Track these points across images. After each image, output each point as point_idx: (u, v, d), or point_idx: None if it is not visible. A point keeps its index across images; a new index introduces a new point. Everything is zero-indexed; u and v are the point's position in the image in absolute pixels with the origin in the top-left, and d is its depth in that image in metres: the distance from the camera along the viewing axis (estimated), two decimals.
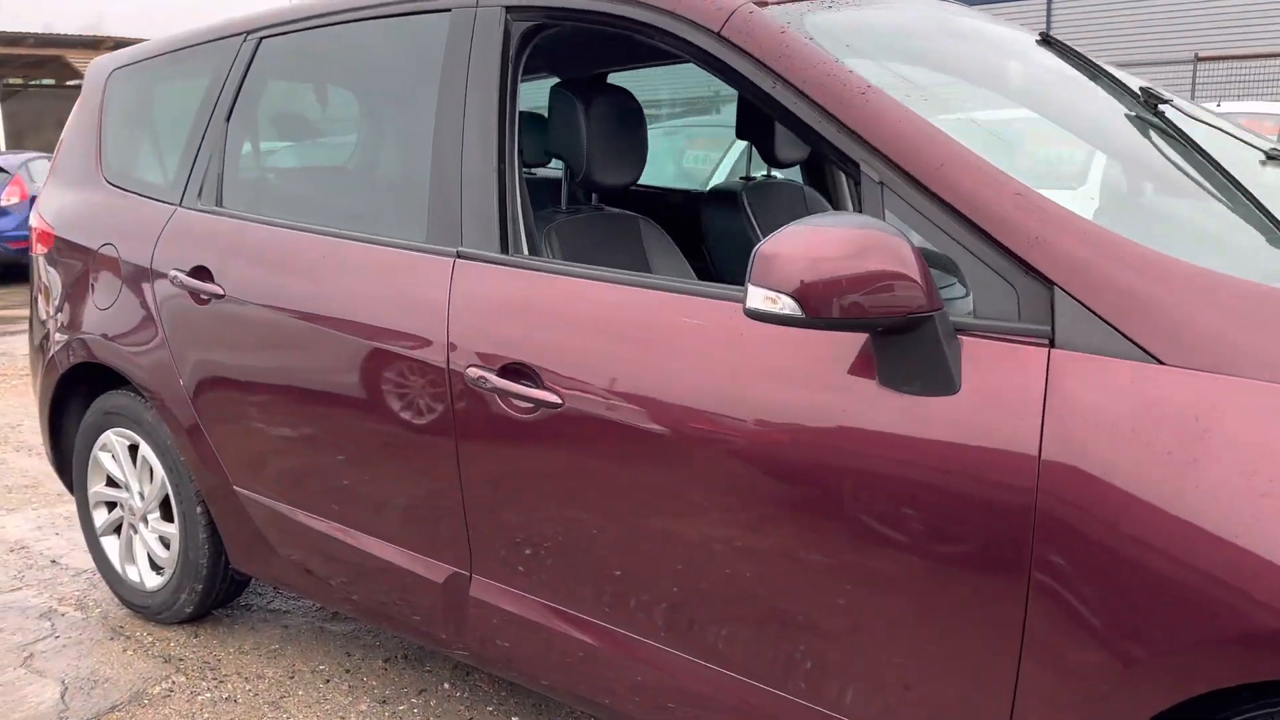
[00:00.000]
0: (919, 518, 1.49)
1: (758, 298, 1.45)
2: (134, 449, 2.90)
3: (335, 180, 2.52)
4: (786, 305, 1.43)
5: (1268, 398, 1.28)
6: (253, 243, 2.44)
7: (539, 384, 1.88)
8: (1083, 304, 1.41)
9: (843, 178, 3.26)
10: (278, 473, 2.42)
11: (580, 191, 2.64)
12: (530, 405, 1.89)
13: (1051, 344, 1.42)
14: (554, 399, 1.85)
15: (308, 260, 2.30)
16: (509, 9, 2.09)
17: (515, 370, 1.91)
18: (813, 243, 1.42)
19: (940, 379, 1.47)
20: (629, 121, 2.33)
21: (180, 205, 2.67)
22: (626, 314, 1.81)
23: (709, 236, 2.98)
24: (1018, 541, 1.41)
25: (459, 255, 2.06)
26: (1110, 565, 1.33)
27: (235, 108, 2.62)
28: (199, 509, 2.72)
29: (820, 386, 1.57)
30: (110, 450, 2.92)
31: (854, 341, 1.56)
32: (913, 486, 1.48)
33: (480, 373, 1.95)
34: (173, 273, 2.56)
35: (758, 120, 2.84)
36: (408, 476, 2.13)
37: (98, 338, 2.77)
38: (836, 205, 3.20)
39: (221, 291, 2.44)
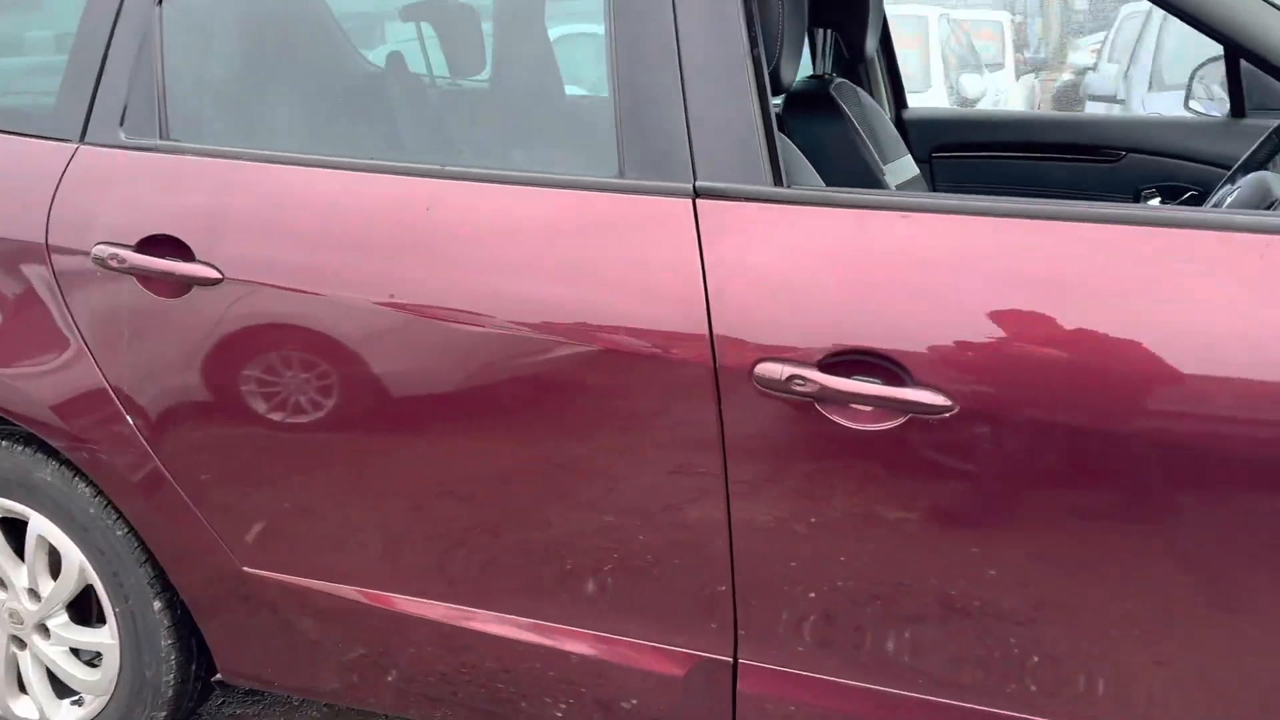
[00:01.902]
0: None
1: None
2: (4, 526, 1.89)
3: (399, 93, 1.66)
4: None
5: None
6: (269, 193, 1.55)
7: (906, 380, 1.24)
8: None
9: (880, 75, 2.75)
10: (341, 542, 1.59)
11: None
12: (889, 410, 1.25)
13: None
14: (944, 401, 1.23)
15: (399, 215, 1.47)
16: None
17: (843, 363, 1.26)
18: None
19: None
20: None
21: (83, 141, 1.68)
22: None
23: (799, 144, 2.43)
24: None
25: (698, 194, 1.35)
26: None
27: None
28: (157, 604, 1.79)
29: None
30: None
31: None
32: None
33: (791, 370, 1.27)
34: (107, 250, 1.60)
35: (839, 4, 2.27)
36: (629, 526, 1.41)
37: None
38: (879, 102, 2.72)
39: (216, 274, 1.53)
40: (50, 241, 1.64)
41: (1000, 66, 10.02)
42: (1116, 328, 1.18)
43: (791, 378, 1.26)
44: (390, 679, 1.66)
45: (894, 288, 1.25)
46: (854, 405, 1.26)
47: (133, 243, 1.58)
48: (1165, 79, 5.70)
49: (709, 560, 1.38)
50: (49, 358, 1.67)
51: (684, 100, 1.35)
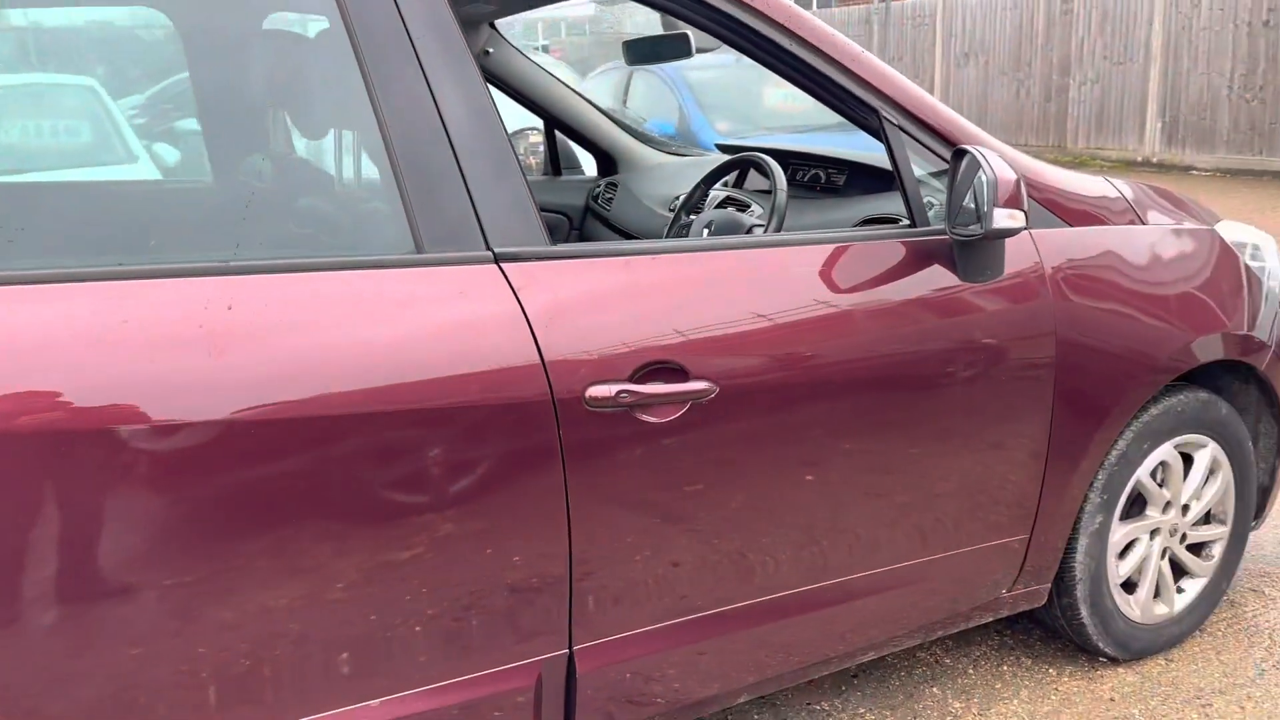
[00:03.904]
0: None
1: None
2: None
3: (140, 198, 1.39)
4: None
5: None
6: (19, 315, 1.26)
7: (689, 377, 1.64)
8: None
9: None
10: None
11: None
12: (679, 402, 1.64)
13: None
14: (710, 386, 1.66)
15: (194, 323, 1.34)
16: None
17: (652, 372, 1.62)
18: None
19: None
20: None
21: None
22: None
23: None
24: None
25: (499, 259, 1.55)
26: None
27: None
28: None
29: None
30: None
31: None
32: None
33: (618, 387, 1.57)
34: None
35: None
36: (474, 579, 1.54)
37: None
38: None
39: None
40: None
41: None
42: None
43: (620, 393, 1.59)
44: None
45: (671, 309, 1.66)
46: (658, 405, 1.63)
47: None
48: None
49: (552, 568, 1.61)
50: None
51: (464, 181, 1.55)
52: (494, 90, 3.08)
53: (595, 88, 9.06)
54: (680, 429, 1.66)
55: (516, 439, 1.54)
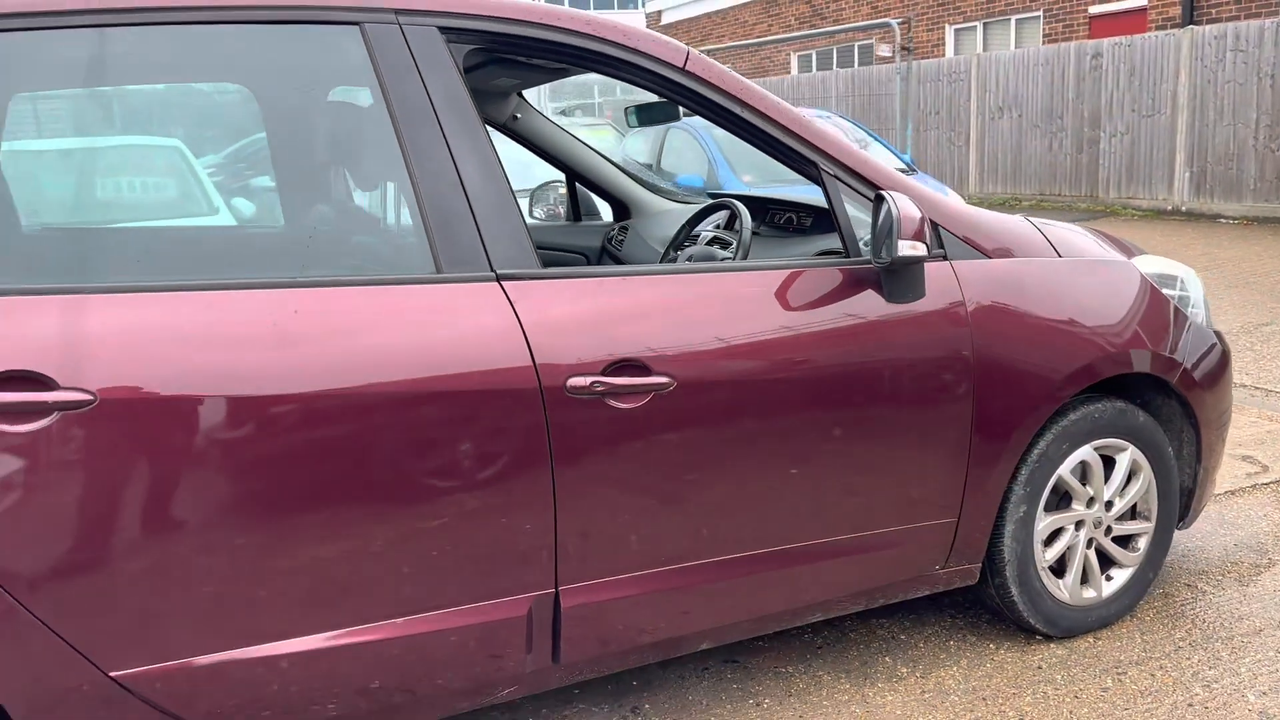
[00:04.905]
0: None
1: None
2: None
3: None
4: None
5: None
6: (141, 318, 1.75)
7: (642, 371, 2.08)
8: None
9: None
10: None
11: None
12: (641, 392, 2.07)
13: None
14: (660, 380, 2.09)
15: (269, 324, 1.82)
16: (446, 30, 2.07)
17: (621, 367, 2.06)
18: None
19: None
20: None
21: None
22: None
23: None
24: None
25: (500, 278, 2.02)
26: None
27: None
28: None
29: None
30: None
31: None
32: None
33: (592, 379, 2.02)
34: None
35: None
36: (482, 523, 1.98)
37: None
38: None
39: (87, 397, 1.69)
40: None
41: None
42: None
43: (593, 383, 2.03)
44: None
45: (637, 319, 2.10)
46: (625, 394, 2.07)
47: None
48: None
49: (541, 519, 2.05)
50: None
51: (474, 218, 2.02)
52: (521, 148, 3.58)
53: (634, 144, 9.64)
54: (644, 414, 2.10)
55: (512, 418, 1.99)
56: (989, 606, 2.85)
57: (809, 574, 2.39)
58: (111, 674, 1.79)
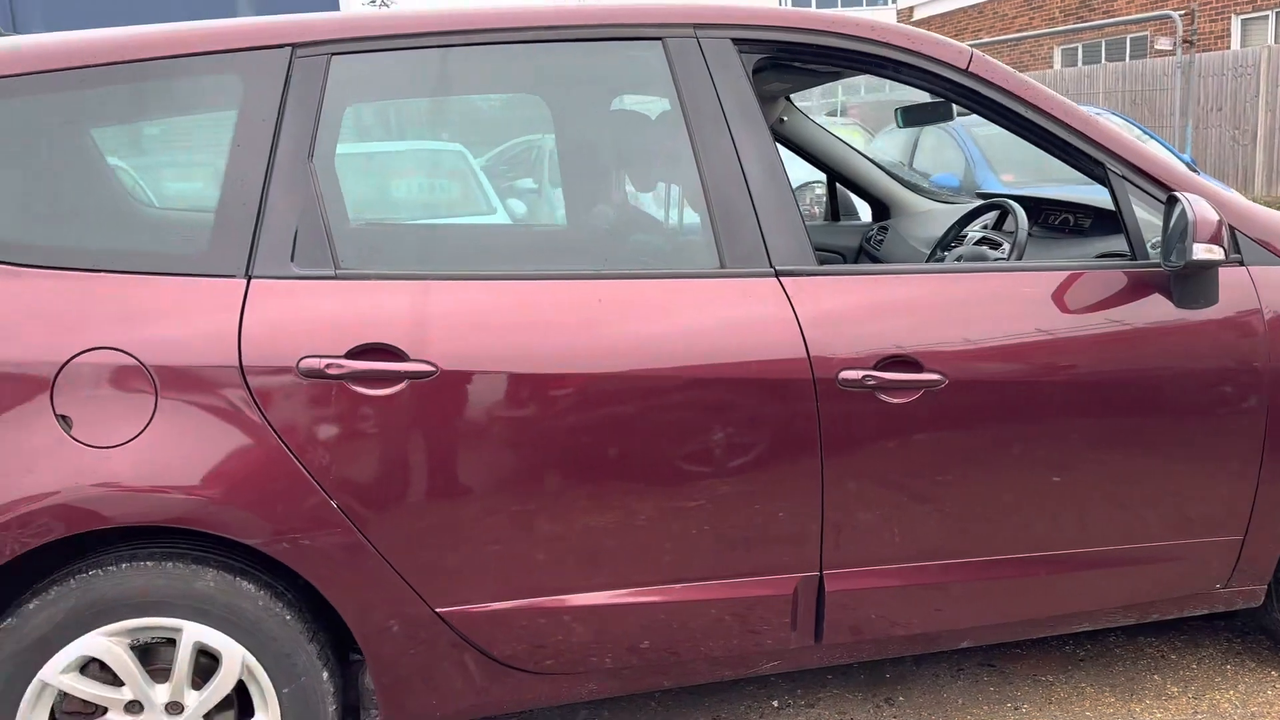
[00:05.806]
0: None
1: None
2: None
3: (530, 224, 2.14)
4: None
5: None
6: (469, 302, 1.99)
7: (921, 369, 2.13)
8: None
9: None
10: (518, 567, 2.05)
11: None
12: (913, 389, 2.13)
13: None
14: (938, 377, 2.13)
15: (577, 310, 2.03)
16: (739, 41, 2.20)
17: (893, 363, 2.13)
18: None
19: None
20: None
21: (251, 275, 1.94)
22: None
23: None
24: None
25: (779, 274, 2.13)
26: None
27: (316, 144, 2.01)
28: (324, 674, 2.02)
29: None
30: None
31: None
32: None
33: (864, 372, 2.09)
34: (322, 363, 1.90)
35: None
36: (755, 502, 2.10)
37: (100, 490, 1.83)
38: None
39: (431, 368, 1.94)
40: (244, 363, 1.89)
41: None
42: None
43: (865, 376, 2.10)
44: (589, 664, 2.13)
45: (910, 316, 2.15)
46: (896, 389, 2.13)
47: (341, 352, 1.92)
48: None
49: (809, 504, 2.14)
50: (243, 468, 1.90)
51: (756, 217, 2.14)
52: (786, 150, 3.68)
53: (885, 144, 9.50)
54: (914, 410, 2.14)
55: (786, 406, 2.09)
56: (1271, 632, 2.69)
57: (1075, 582, 2.35)
58: (437, 609, 2.04)
